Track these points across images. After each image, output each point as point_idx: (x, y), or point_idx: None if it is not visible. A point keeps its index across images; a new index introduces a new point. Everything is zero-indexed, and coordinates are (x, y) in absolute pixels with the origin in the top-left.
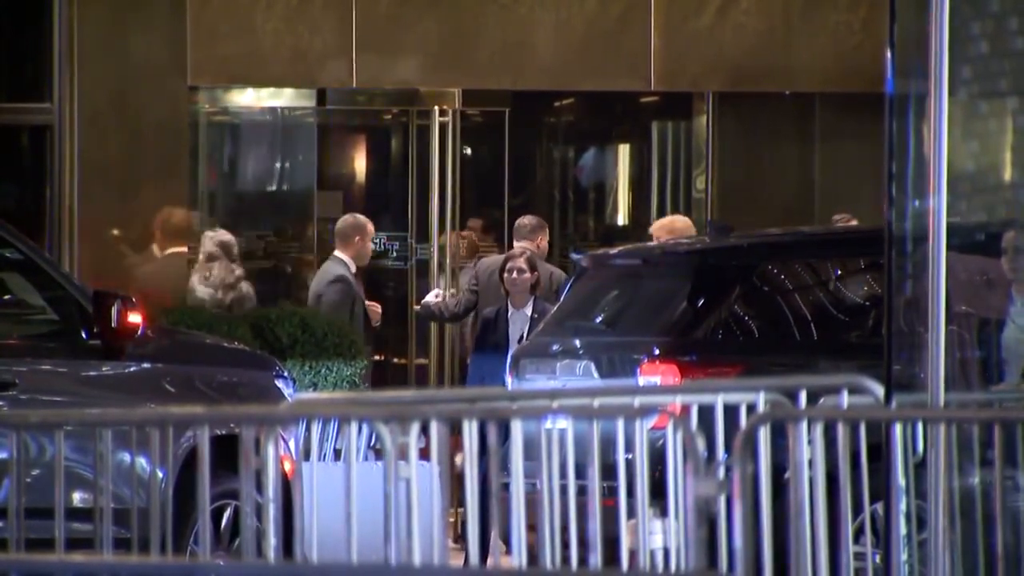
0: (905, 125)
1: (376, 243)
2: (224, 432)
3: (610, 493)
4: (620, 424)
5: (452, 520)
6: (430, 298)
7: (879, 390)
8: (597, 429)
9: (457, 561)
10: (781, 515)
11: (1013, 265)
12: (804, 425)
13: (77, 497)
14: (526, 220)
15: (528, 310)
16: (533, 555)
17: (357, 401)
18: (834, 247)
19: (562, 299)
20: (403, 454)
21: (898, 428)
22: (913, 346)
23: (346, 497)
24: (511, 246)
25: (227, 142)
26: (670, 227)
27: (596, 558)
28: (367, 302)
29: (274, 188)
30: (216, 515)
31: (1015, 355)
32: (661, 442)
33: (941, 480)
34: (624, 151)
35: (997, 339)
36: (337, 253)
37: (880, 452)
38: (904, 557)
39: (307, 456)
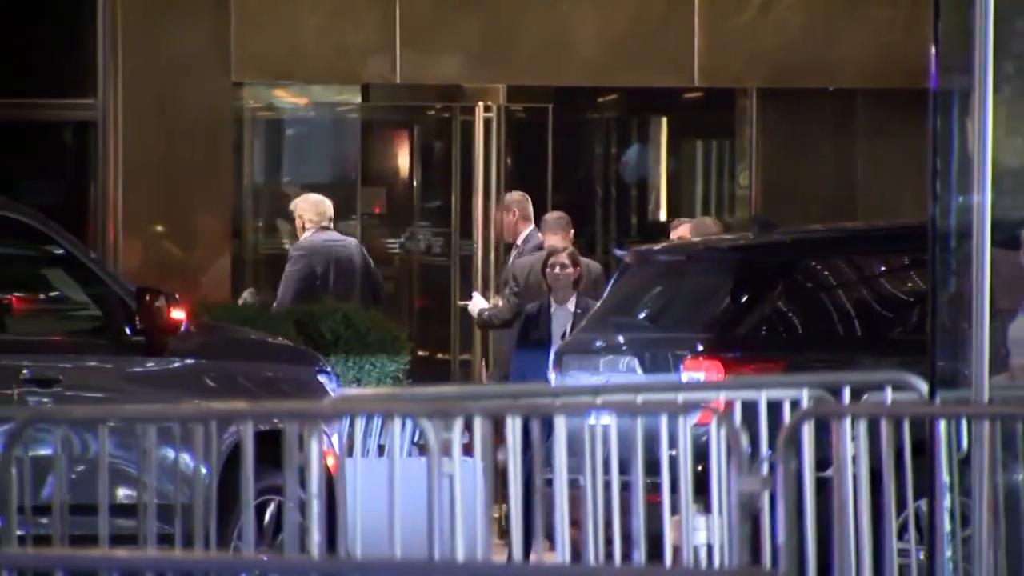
0: (949, 121)
1: (420, 239)
2: (267, 428)
3: (654, 489)
4: (664, 420)
5: (496, 516)
6: (476, 305)
7: (923, 386)
8: (641, 425)
9: (500, 557)
10: (825, 511)
11: None
12: (848, 421)
13: (121, 493)
14: (556, 214)
15: (571, 305)
16: (577, 551)
17: (400, 397)
18: (877, 243)
19: (605, 295)
20: (446, 450)
21: (942, 424)
22: (957, 342)
23: (389, 493)
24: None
25: (270, 138)
26: (702, 228)
27: (640, 554)
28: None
29: (317, 184)
30: (260, 511)
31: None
32: (705, 438)
33: (985, 476)
34: (667, 147)
35: None
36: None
37: (924, 448)
38: (948, 554)
39: (350, 452)
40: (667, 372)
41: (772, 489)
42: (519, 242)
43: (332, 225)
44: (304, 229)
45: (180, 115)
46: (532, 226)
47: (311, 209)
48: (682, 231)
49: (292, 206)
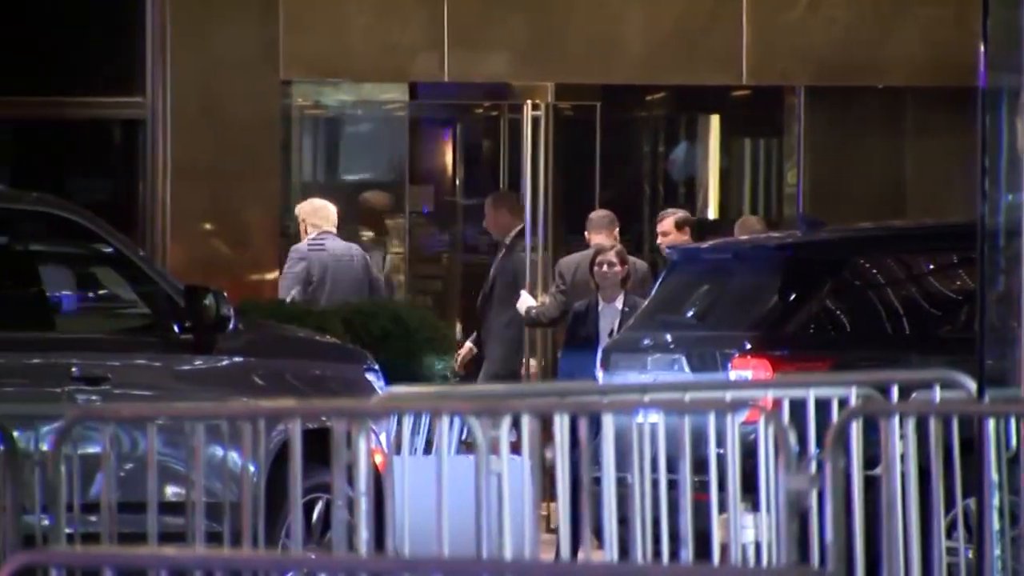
0: (998, 119)
1: (467, 236)
2: (315, 426)
3: (701, 487)
4: (711, 419)
5: (544, 514)
6: (524, 303)
7: (971, 385)
8: (688, 424)
9: (548, 554)
10: (873, 510)
11: None
12: (896, 420)
13: (169, 491)
14: (602, 212)
15: (619, 304)
16: (624, 549)
17: (448, 395)
18: (925, 241)
19: (653, 293)
20: (494, 448)
21: (991, 423)
22: (1005, 341)
23: (437, 491)
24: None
25: (318, 136)
26: (747, 227)
27: (687, 552)
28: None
29: (365, 182)
30: (308, 509)
31: None
32: (752, 436)
33: None
34: (715, 145)
35: None
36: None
37: (972, 447)
38: (997, 552)
39: (398, 450)
40: (715, 370)
41: (820, 487)
42: (507, 240)
43: (335, 230)
44: (307, 233)
45: (228, 113)
46: (522, 224)
47: (315, 214)
48: (666, 225)
49: (296, 210)
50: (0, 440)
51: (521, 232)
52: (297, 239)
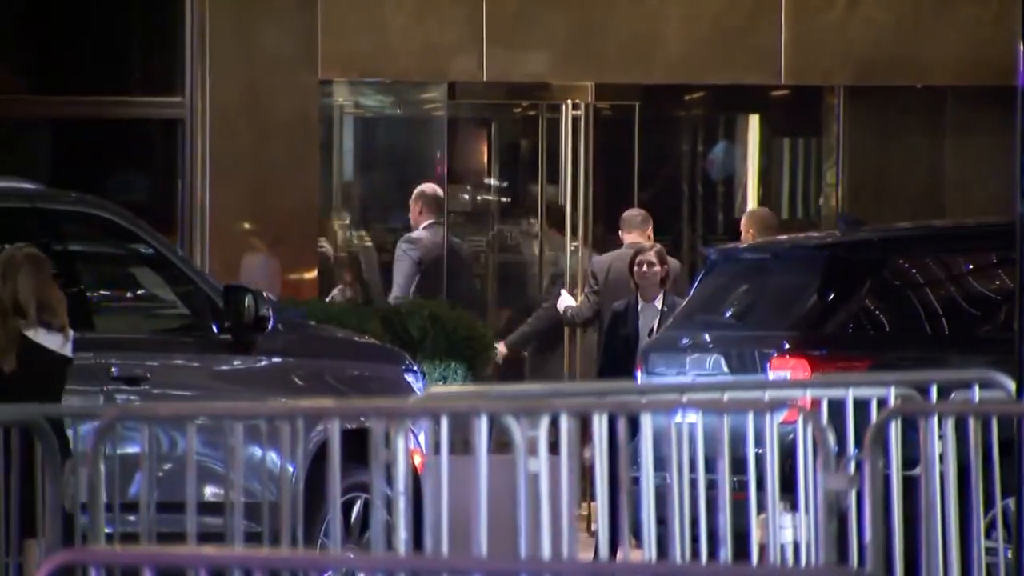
0: None
1: (506, 236)
2: (354, 426)
3: (740, 487)
4: (750, 418)
5: (585, 514)
6: (563, 303)
7: (1011, 385)
8: (727, 423)
9: (586, 553)
10: (911, 510)
11: None
12: (935, 420)
13: (208, 491)
14: (635, 211)
15: (658, 303)
16: (663, 549)
17: (486, 395)
18: (965, 241)
19: (691, 293)
20: (532, 448)
21: None
22: None
23: (476, 491)
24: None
25: (357, 136)
26: (759, 219)
27: (726, 552)
28: None
29: (404, 182)
30: (346, 508)
31: None
32: (791, 436)
33: None
34: (754, 145)
35: None
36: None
37: (1011, 447)
38: None
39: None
40: (753, 370)
41: (859, 487)
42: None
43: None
44: (421, 216)
45: (267, 113)
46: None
47: (434, 201)
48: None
49: (419, 192)
50: (43, 439)
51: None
52: (333, 237)
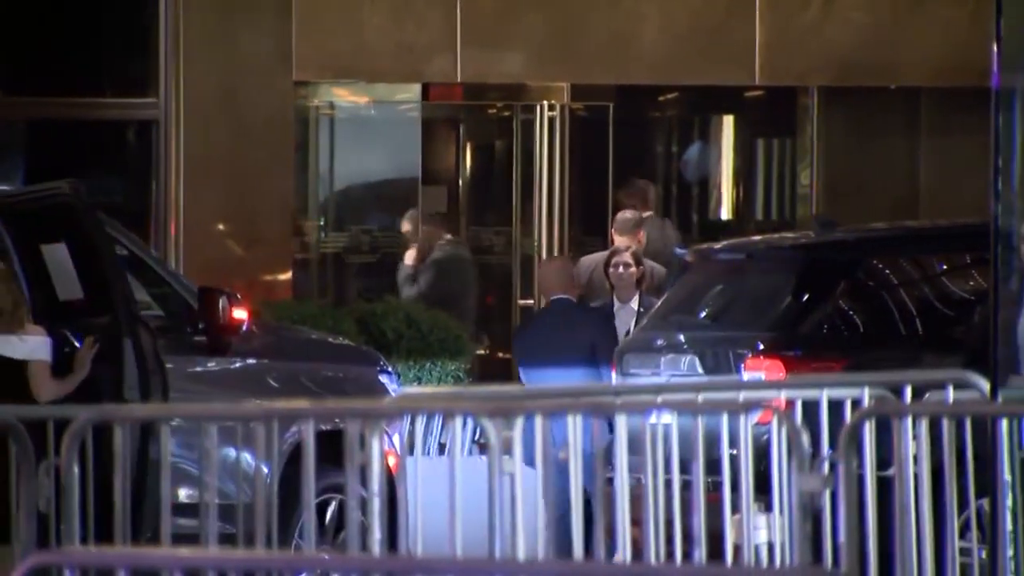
0: (1011, 119)
1: (481, 237)
2: (329, 427)
3: (714, 488)
4: (724, 419)
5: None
6: None
7: (984, 385)
8: (701, 424)
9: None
10: (886, 511)
11: None
12: (909, 420)
13: (183, 493)
14: (628, 215)
15: (634, 304)
16: (637, 549)
17: (461, 396)
18: (939, 242)
19: (666, 294)
20: (507, 449)
21: (1004, 423)
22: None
23: (450, 491)
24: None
25: (332, 137)
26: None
27: (700, 553)
28: None
29: (379, 182)
30: (321, 509)
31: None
32: (766, 437)
33: None
34: (728, 146)
35: None
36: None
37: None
38: (1010, 553)
39: (411, 451)
40: (728, 371)
41: (833, 488)
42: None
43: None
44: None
45: (242, 114)
46: (446, 236)
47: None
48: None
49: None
50: (17, 441)
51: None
52: (307, 238)
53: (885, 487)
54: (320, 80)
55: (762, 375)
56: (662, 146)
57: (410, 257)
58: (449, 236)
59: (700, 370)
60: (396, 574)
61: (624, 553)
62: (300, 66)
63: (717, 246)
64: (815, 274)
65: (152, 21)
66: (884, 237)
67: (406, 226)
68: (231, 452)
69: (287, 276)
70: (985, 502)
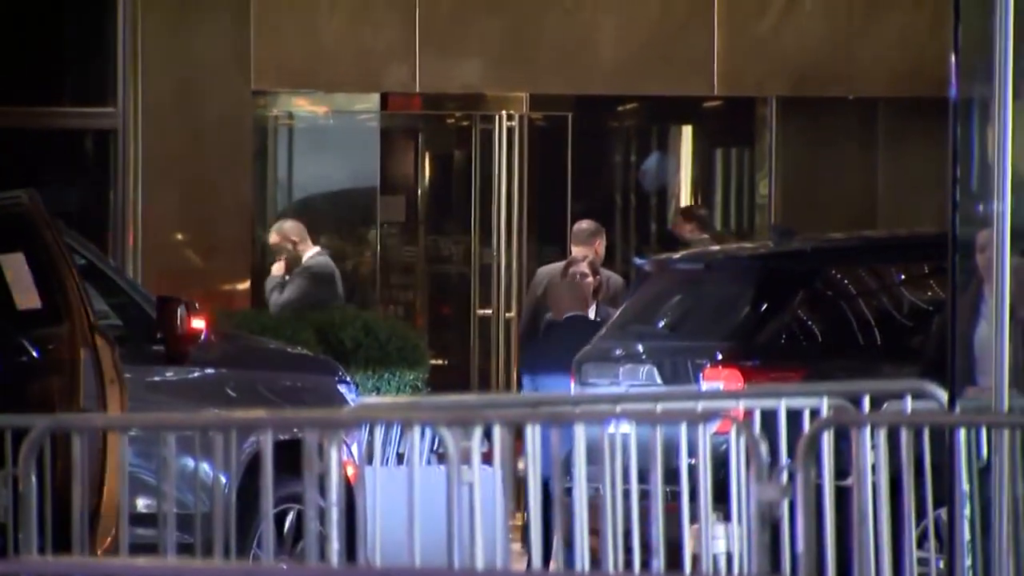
0: (969, 129)
1: (439, 247)
2: (287, 437)
3: (673, 498)
4: (683, 429)
5: (518, 524)
6: None
7: (943, 395)
8: (660, 434)
9: (520, 565)
10: (844, 520)
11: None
12: (867, 430)
13: (141, 503)
14: (584, 224)
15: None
16: (596, 559)
17: (419, 406)
18: (897, 252)
19: (625, 304)
20: (466, 458)
21: (962, 433)
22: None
23: (409, 501)
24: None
25: (290, 146)
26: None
27: (659, 562)
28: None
29: (337, 192)
30: (279, 519)
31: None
32: (724, 447)
33: (1006, 486)
34: (687, 155)
35: None
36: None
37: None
38: (968, 563)
39: (370, 460)
40: (686, 381)
41: (791, 498)
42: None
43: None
44: (297, 250)
45: (200, 123)
46: (315, 247)
47: (299, 232)
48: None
49: (280, 231)
50: None
51: (314, 255)
52: (266, 250)
53: (843, 497)
54: (278, 89)
55: (720, 385)
56: (621, 156)
57: (278, 268)
58: (318, 248)
59: (659, 380)
60: None
61: (582, 563)
62: (258, 75)
63: (675, 256)
64: (773, 284)
65: (109, 30)
66: (842, 247)
67: (273, 238)
68: (189, 462)
69: (246, 285)
70: (943, 512)
